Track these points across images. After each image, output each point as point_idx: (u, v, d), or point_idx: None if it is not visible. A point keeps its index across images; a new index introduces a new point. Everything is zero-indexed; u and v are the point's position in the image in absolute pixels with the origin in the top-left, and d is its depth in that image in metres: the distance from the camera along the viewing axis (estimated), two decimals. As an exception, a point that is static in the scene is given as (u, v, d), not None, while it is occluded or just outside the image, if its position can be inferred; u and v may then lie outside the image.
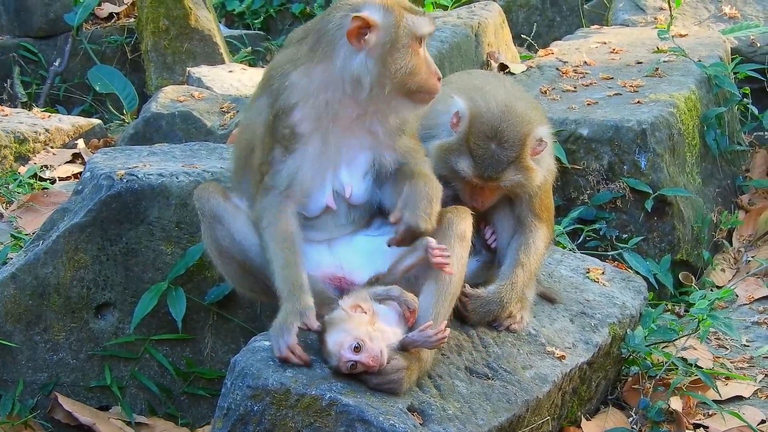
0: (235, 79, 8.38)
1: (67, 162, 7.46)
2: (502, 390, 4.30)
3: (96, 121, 8.18)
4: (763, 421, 4.91)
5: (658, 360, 5.15)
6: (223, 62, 9.25)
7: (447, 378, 4.27)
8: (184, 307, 5.13)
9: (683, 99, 6.54)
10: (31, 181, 7.16)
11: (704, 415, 4.98)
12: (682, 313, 6.01)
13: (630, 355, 5.05)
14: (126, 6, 10.03)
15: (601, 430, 4.81)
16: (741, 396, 5.12)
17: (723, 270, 6.49)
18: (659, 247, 6.24)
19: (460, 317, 4.51)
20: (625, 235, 6.20)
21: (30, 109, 8.59)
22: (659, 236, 6.25)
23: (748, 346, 5.63)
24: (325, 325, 4.07)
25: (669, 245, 6.25)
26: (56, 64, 9.71)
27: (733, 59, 7.40)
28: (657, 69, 6.96)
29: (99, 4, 9.96)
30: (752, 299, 6.09)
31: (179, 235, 5.19)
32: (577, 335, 4.75)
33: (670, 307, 6.00)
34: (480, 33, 7.76)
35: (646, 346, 5.02)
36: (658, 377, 5.07)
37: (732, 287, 5.93)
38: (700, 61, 7.04)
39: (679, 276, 6.29)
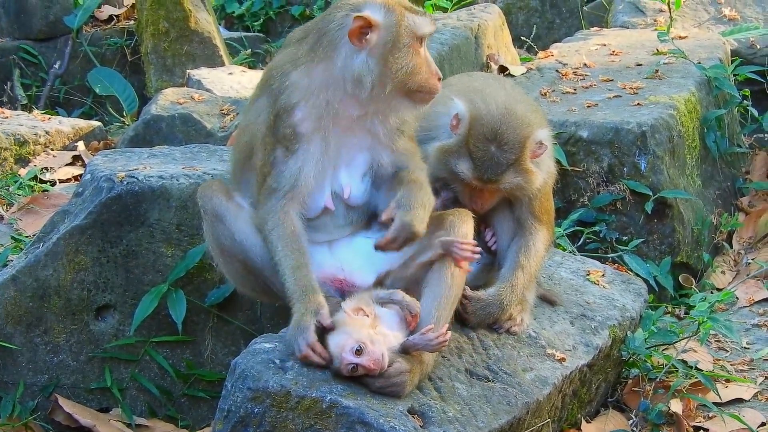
0: (234, 81, 8.38)
1: (67, 164, 7.45)
2: (503, 392, 4.30)
3: (96, 123, 8.18)
4: (763, 424, 4.91)
5: (658, 362, 5.16)
6: (222, 64, 9.24)
7: (447, 380, 4.27)
8: (185, 309, 5.13)
9: (683, 101, 6.54)
10: (32, 183, 7.15)
11: (704, 418, 4.98)
12: (682, 316, 6.00)
13: (630, 358, 5.05)
14: (126, 8, 10.02)
15: (601, 433, 4.83)
16: (741, 398, 5.11)
17: (723, 272, 6.48)
18: (659, 249, 6.24)
19: (461, 319, 4.51)
20: (625, 238, 6.20)
21: (30, 111, 8.58)
22: (659, 238, 6.25)
23: (748, 348, 5.63)
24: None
25: (669, 247, 6.24)
26: (56, 66, 9.70)
27: (732, 61, 7.39)
28: (657, 71, 6.96)
29: (99, 7, 9.95)
30: (752, 301, 6.08)
31: (179, 238, 5.19)
32: (577, 337, 4.75)
33: (670, 310, 6.00)
34: (480, 35, 7.76)
35: (647, 348, 5.02)
36: (658, 379, 5.07)
37: (732, 289, 5.92)
38: (699, 63, 7.04)
39: (679, 278, 6.29)
